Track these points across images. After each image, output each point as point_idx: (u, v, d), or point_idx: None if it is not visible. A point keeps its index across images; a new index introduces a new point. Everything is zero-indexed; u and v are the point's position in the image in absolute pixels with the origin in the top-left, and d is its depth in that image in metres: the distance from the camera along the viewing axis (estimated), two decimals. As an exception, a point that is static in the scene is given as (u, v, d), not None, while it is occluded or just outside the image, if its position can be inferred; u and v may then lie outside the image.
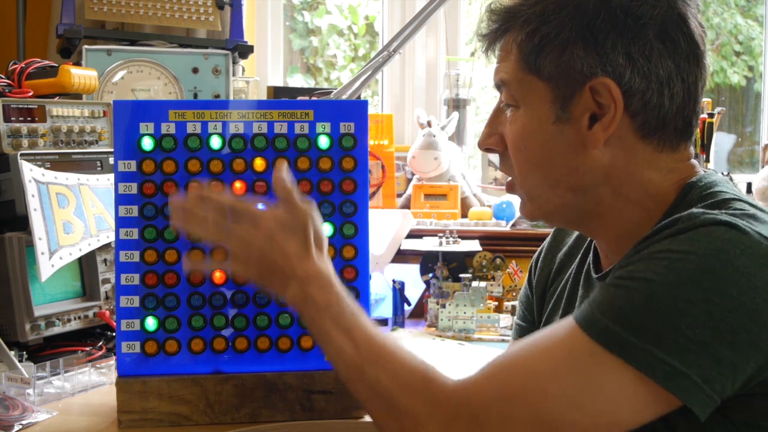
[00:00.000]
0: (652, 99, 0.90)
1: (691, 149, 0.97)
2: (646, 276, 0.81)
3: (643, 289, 0.80)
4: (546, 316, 1.12)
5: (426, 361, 0.93)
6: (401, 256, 2.11)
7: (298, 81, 3.05)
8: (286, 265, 0.98)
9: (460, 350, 1.69)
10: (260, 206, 1.04)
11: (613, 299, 0.82)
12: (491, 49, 0.98)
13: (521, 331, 1.19)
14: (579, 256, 1.09)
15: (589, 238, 1.09)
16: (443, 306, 1.85)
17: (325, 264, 1.01)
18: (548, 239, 1.19)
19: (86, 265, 1.55)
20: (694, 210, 0.85)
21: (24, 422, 1.20)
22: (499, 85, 0.97)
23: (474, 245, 2.03)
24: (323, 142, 1.25)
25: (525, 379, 0.83)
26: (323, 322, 0.96)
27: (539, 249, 1.20)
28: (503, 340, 1.76)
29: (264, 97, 2.44)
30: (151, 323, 1.22)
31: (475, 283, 1.89)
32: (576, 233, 1.14)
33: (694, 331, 0.77)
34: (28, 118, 1.52)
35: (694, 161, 0.96)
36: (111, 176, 1.57)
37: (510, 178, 1.00)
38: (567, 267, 1.12)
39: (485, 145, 1.00)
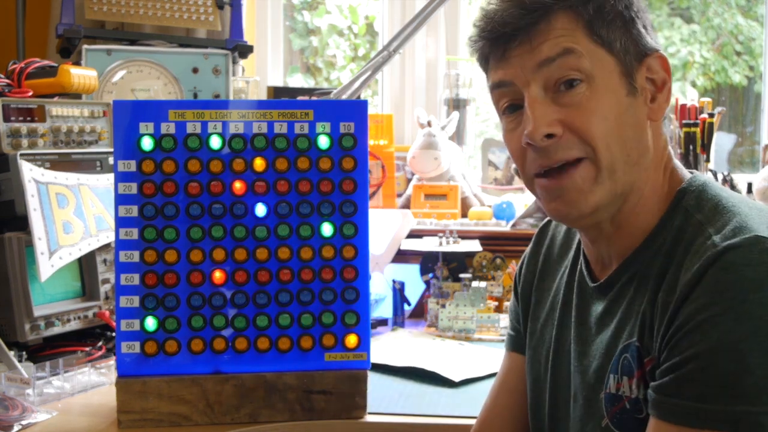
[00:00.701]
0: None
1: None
2: (721, 339, 0.79)
3: (727, 354, 0.78)
4: (539, 326, 1.11)
5: None
6: (401, 256, 2.10)
7: (298, 81, 3.05)
8: None
9: (460, 350, 1.69)
10: None
11: (707, 381, 0.79)
12: (536, 23, 0.91)
13: (513, 342, 1.18)
14: (568, 262, 1.08)
15: (576, 244, 1.07)
16: (443, 306, 1.85)
17: None
18: (530, 245, 1.18)
19: (86, 265, 1.55)
20: (715, 238, 0.84)
21: (24, 422, 1.20)
22: (558, 56, 0.90)
23: (474, 245, 2.03)
24: (323, 142, 1.25)
25: None
26: None
27: (522, 256, 1.19)
28: (503, 340, 1.76)
29: (264, 97, 2.44)
30: (150, 323, 1.22)
31: (475, 283, 1.89)
32: (561, 237, 1.13)
33: None
34: (28, 118, 1.52)
35: (676, 161, 1.00)
36: (111, 176, 1.57)
37: (575, 160, 0.91)
38: (553, 273, 1.10)
39: (549, 130, 0.90)
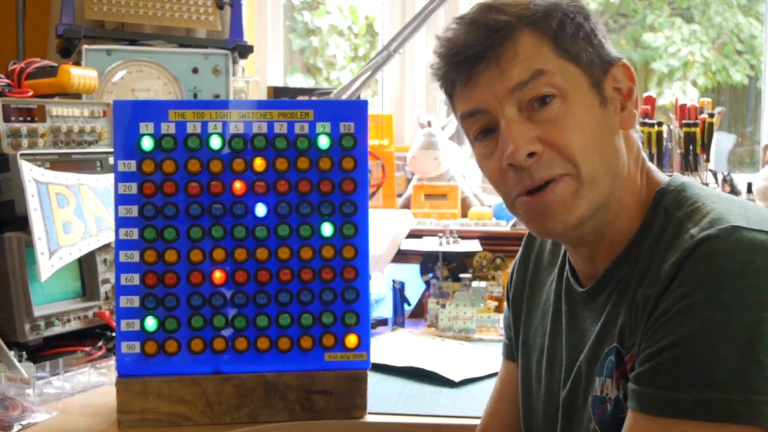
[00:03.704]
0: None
1: None
2: (698, 327, 0.79)
3: (702, 342, 0.78)
4: (531, 334, 1.10)
5: None
6: (401, 256, 2.10)
7: (298, 81, 3.05)
8: None
9: (460, 350, 1.69)
10: None
11: (682, 369, 0.79)
12: (498, 48, 0.91)
13: (508, 350, 1.18)
14: (556, 269, 1.07)
15: (563, 251, 1.07)
16: (443, 306, 1.85)
17: None
18: (519, 254, 1.17)
19: (86, 265, 1.55)
20: (693, 231, 0.84)
21: (24, 422, 1.20)
22: (530, 79, 0.90)
23: (474, 245, 2.03)
24: (323, 142, 1.25)
25: None
26: None
27: (512, 264, 1.18)
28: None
29: (264, 97, 2.44)
30: (151, 323, 1.22)
31: (475, 283, 1.89)
32: (549, 244, 1.12)
33: (766, 357, 0.77)
34: (28, 118, 1.52)
35: (650, 163, 1.00)
36: (111, 176, 1.57)
37: (557, 177, 0.90)
38: (543, 280, 1.10)
39: (530, 149, 0.90)
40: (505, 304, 1.19)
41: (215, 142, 1.24)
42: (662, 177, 0.97)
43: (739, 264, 0.80)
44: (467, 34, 0.92)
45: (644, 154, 0.99)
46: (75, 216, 1.49)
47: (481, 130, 0.95)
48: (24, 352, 1.40)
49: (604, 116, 0.93)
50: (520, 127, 0.90)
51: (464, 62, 0.92)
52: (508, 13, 0.92)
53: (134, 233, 1.23)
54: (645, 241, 0.92)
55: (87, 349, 1.48)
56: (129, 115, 1.23)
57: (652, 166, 0.99)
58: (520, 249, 1.17)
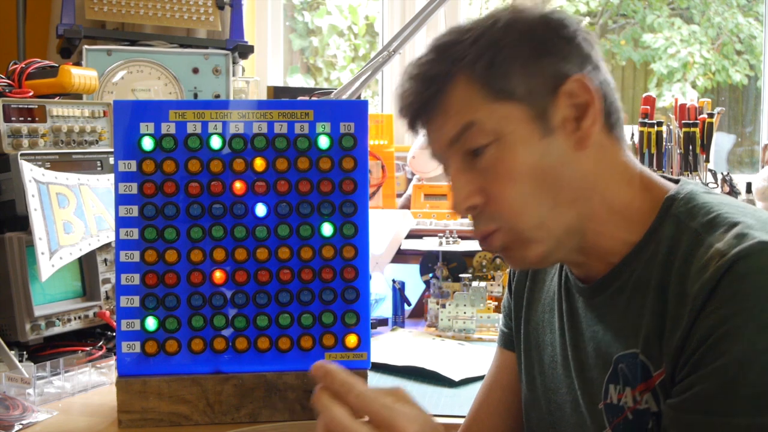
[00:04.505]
0: (608, 93, 0.93)
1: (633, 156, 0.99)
2: (745, 350, 0.78)
3: (752, 365, 0.77)
4: (533, 330, 1.10)
5: None
6: (401, 256, 2.11)
7: (298, 81, 3.05)
8: None
9: (460, 350, 1.69)
10: None
11: (735, 393, 0.78)
12: (431, 112, 0.93)
13: (505, 338, 1.18)
14: (557, 266, 1.07)
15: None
16: (443, 306, 1.85)
17: None
18: None
19: (86, 265, 1.55)
20: (719, 246, 0.83)
21: (24, 422, 1.20)
22: (461, 134, 0.91)
23: (474, 245, 2.03)
24: (323, 142, 1.25)
25: None
26: None
27: None
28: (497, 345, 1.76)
29: (264, 97, 2.44)
30: (151, 323, 1.22)
31: (475, 283, 1.89)
32: None
33: None
34: (29, 118, 1.53)
35: (644, 168, 0.97)
36: (111, 176, 1.57)
37: (491, 232, 0.92)
38: (546, 273, 1.10)
39: (469, 203, 0.91)
40: (506, 292, 1.19)
41: (215, 142, 1.24)
42: (666, 183, 0.96)
43: None
44: (407, 91, 0.95)
45: (631, 160, 0.96)
46: (75, 216, 1.50)
47: (444, 171, 0.97)
48: (24, 352, 1.40)
49: (550, 146, 0.90)
50: (460, 180, 0.92)
51: (410, 119, 0.96)
52: (442, 59, 0.92)
53: (134, 233, 1.23)
54: (652, 248, 0.90)
55: (87, 348, 1.48)
56: (129, 115, 1.23)
57: (647, 170, 0.97)
58: None
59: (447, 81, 0.91)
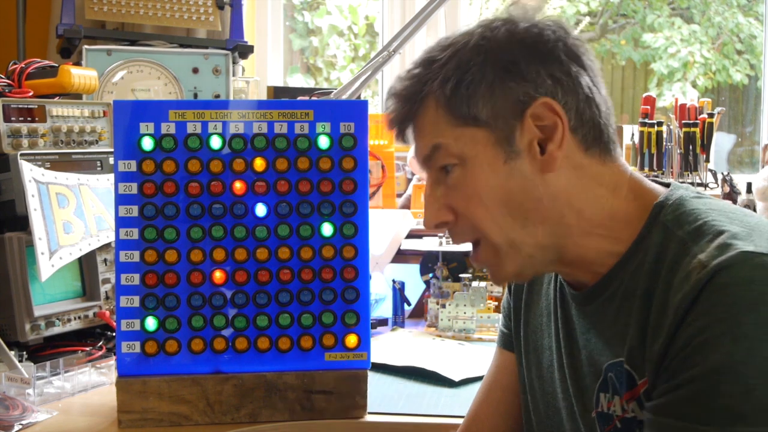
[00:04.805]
0: (585, 112, 0.92)
1: (625, 162, 0.97)
2: (721, 361, 0.78)
3: (726, 376, 0.78)
4: (531, 333, 1.10)
5: None
6: (401, 256, 2.10)
7: (298, 81, 3.05)
8: None
9: (460, 350, 1.69)
10: None
11: (708, 403, 0.78)
12: (405, 130, 0.96)
13: (505, 339, 1.18)
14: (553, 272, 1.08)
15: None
16: (443, 306, 1.85)
17: None
18: None
19: (86, 265, 1.55)
20: (701, 257, 0.82)
21: (24, 422, 1.20)
22: (431, 154, 0.93)
23: (474, 245, 2.03)
24: (323, 142, 1.25)
25: None
26: None
27: None
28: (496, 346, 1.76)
29: (264, 97, 2.44)
30: (151, 323, 1.22)
31: (475, 283, 1.89)
32: None
33: None
34: (28, 118, 1.52)
35: (635, 173, 0.97)
36: (111, 176, 1.57)
37: (473, 246, 0.95)
38: (542, 276, 1.10)
39: (437, 220, 0.94)
40: (506, 291, 1.19)
41: (215, 142, 1.24)
42: (657, 188, 0.95)
43: (756, 294, 0.79)
44: (391, 108, 0.97)
45: (619, 168, 0.95)
46: (75, 216, 1.49)
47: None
48: (24, 352, 1.40)
49: (514, 171, 0.90)
50: (432, 197, 0.95)
51: (395, 133, 0.98)
52: (418, 79, 0.94)
53: (134, 233, 1.23)
54: (640, 256, 0.90)
55: (87, 349, 1.48)
56: (129, 115, 1.23)
57: (639, 176, 0.96)
58: None
59: (419, 103, 0.94)
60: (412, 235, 2.12)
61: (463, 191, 0.92)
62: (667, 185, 0.96)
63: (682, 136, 2.16)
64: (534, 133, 0.90)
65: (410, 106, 0.94)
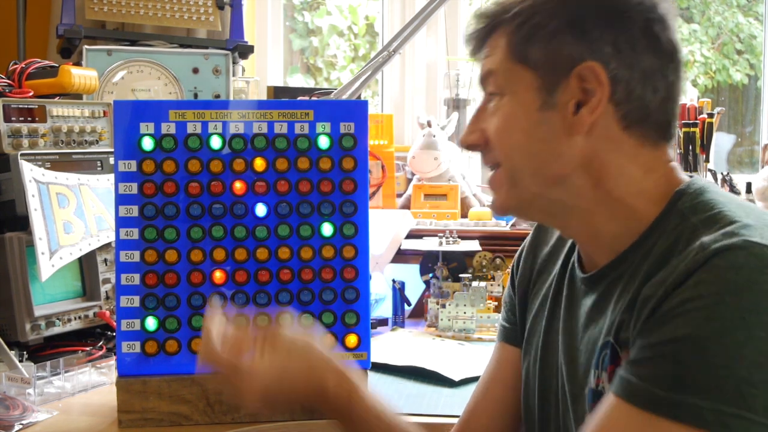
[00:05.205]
0: (635, 89, 0.92)
1: (671, 152, 0.98)
2: (689, 333, 0.79)
3: (690, 347, 0.79)
4: (531, 319, 1.11)
5: None
6: (401, 256, 2.10)
7: (298, 81, 3.05)
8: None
9: (460, 350, 1.69)
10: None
11: (665, 368, 0.80)
12: (480, 49, 1.00)
13: (505, 333, 1.18)
14: (561, 257, 1.08)
15: (571, 240, 1.08)
16: (443, 306, 1.85)
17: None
18: (529, 237, 1.18)
19: (86, 265, 1.55)
20: (705, 240, 0.84)
21: (24, 422, 1.20)
22: (485, 78, 0.98)
23: (474, 245, 2.03)
24: (323, 142, 1.25)
25: None
26: None
27: (520, 248, 1.18)
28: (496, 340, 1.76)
29: (264, 97, 2.44)
30: (151, 323, 1.22)
31: (475, 283, 1.89)
32: (558, 233, 1.13)
33: (752, 374, 0.77)
34: (29, 118, 1.53)
35: (674, 164, 0.98)
36: (111, 176, 1.57)
37: (492, 173, 1.00)
38: (549, 268, 1.11)
39: (467, 142, 1.00)
40: (508, 286, 1.20)
41: (215, 142, 1.24)
42: (683, 176, 0.96)
43: (743, 279, 0.79)
44: (470, 26, 1.01)
45: (661, 156, 0.96)
46: (75, 216, 1.50)
47: None
48: (24, 352, 1.40)
49: (543, 121, 0.93)
50: (474, 118, 1.00)
51: (470, 51, 1.02)
52: (501, 6, 0.97)
53: (134, 233, 1.23)
54: (654, 239, 0.91)
55: (87, 348, 1.48)
56: (129, 115, 1.23)
57: (675, 165, 0.97)
58: (531, 235, 1.17)
59: (490, 29, 0.98)
60: (412, 235, 2.12)
61: (496, 122, 0.96)
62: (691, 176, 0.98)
63: (681, 136, 2.16)
64: (575, 93, 0.91)
65: (484, 30, 0.98)
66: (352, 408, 1.00)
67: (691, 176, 0.97)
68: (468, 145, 1.00)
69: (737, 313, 0.78)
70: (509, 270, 2.02)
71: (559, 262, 1.08)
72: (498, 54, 0.96)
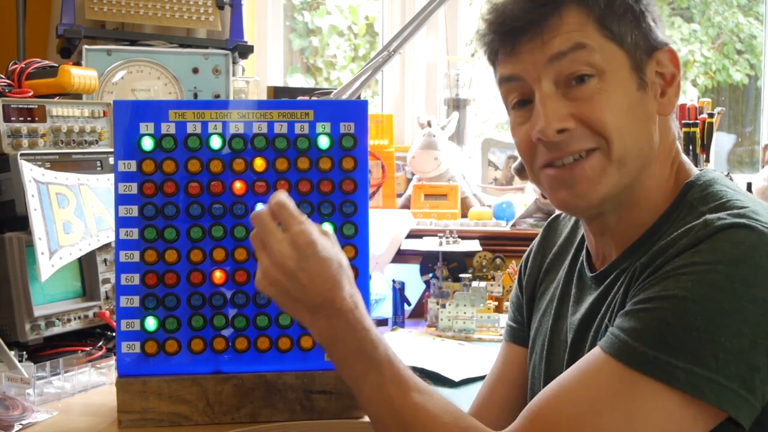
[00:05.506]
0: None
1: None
2: (676, 294, 0.80)
3: (675, 308, 0.80)
4: (538, 319, 1.11)
5: (460, 409, 0.92)
6: (401, 256, 2.11)
7: (298, 81, 3.05)
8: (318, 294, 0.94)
9: (460, 350, 1.69)
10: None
11: (646, 323, 0.81)
12: (545, 21, 0.92)
13: (512, 333, 1.18)
14: (570, 255, 1.09)
15: (579, 238, 1.08)
16: (443, 306, 1.85)
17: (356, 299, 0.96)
18: (537, 238, 1.18)
19: (86, 265, 1.55)
20: (709, 216, 0.85)
21: (24, 422, 1.20)
22: (568, 51, 0.91)
23: (474, 245, 2.03)
24: (323, 142, 1.25)
25: (568, 424, 0.81)
26: (353, 365, 0.95)
27: (529, 248, 1.19)
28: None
29: (264, 97, 2.44)
30: (151, 323, 1.22)
31: (475, 283, 1.89)
32: (566, 231, 1.13)
33: (732, 342, 0.77)
34: (28, 118, 1.52)
35: (685, 157, 1.00)
36: (111, 176, 1.57)
37: (577, 158, 0.92)
38: (557, 266, 1.11)
39: (562, 125, 0.91)
40: (515, 286, 1.20)
41: (215, 142, 1.24)
42: (693, 170, 0.97)
43: (741, 253, 0.80)
44: (515, 5, 0.93)
45: (679, 145, 0.98)
46: (75, 216, 1.50)
47: (518, 100, 0.96)
48: (24, 352, 1.40)
49: (641, 100, 0.93)
50: (553, 104, 0.91)
51: (509, 33, 0.94)
52: None
53: (134, 233, 1.23)
54: (663, 230, 0.92)
55: (87, 349, 1.48)
56: (129, 115, 1.23)
57: (685, 159, 0.99)
58: (539, 236, 1.18)
59: (562, 5, 0.92)
60: (412, 235, 2.12)
61: (598, 101, 0.91)
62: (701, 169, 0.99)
63: (682, 136, 2.16)
64: (655, 76, 0.94)
65: (549, 8, 0.92)
66: (355, 320, 0.96)
67: (701, 169, 0.98)
68: (560, 131, 0.92)
69: (728, 283, 0.79)
70: (509, 270, 2.03)
71: (567, 263, 1.08)
72: (586, 29, 0.91)
